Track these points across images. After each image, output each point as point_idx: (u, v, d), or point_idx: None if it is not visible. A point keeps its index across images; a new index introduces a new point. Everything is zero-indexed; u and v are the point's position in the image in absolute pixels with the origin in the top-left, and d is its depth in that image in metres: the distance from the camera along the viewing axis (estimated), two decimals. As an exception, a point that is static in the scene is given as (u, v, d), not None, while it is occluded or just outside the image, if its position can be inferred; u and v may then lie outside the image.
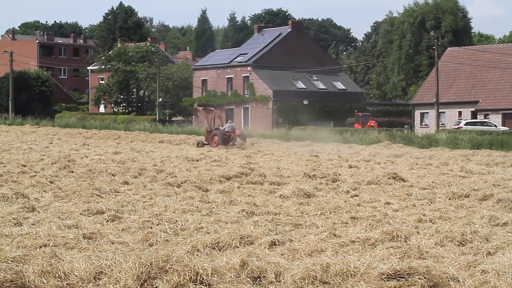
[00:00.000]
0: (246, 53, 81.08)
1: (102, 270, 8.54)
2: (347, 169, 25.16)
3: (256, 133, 55.08)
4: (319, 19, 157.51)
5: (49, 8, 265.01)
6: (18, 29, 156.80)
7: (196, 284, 8.17)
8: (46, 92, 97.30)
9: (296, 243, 10.77)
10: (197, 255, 10.09)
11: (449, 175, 22.98)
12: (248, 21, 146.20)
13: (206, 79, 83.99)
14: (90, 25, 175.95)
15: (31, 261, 8.96)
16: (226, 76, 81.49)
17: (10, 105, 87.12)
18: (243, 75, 79.66)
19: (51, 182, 18.81)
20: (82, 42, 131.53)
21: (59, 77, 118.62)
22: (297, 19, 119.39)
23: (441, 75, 69.73)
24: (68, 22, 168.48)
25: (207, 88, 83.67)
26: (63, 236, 11.19)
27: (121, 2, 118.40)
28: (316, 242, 10.74)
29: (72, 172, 21.58)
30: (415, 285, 8.14)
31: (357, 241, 10.92)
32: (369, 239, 10.96)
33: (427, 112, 73.33)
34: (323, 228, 12.38)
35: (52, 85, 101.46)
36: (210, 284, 8.24)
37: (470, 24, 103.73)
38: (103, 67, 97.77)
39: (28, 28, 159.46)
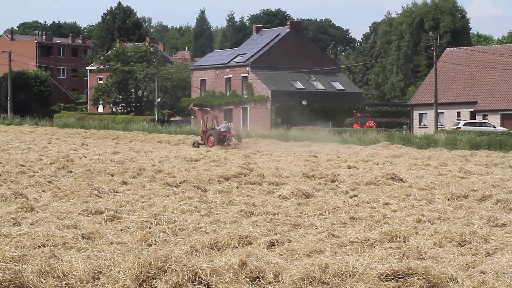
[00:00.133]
0: (245, 54, 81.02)
1: (101, 270, 8.54)
2: (345, 169, 25.15)
3: (255, 133, 55.02)
4: (318, 20, 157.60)
5: (48, 8, 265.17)
6: (17, 29, 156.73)
7: (194, 284, 8.16)
8: (44, 92, 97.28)
9: (295, 243, 10.76)
10: (196, 255, 10.08)
11: (448, 175, 22.97)
12: (247, 22, 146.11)
13: (204, 79, 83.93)
14: (88, 25, 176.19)
15: (30, 261, 8.95)
16: (225, 76, 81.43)
17: (8, 105, 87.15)
18: (241, 75, 79.61)
19: (49, 182, 18.80)
20: (81, 42, 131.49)
21: (58, 77, 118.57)
22: (295, 19, 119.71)
23: (440, 75, 69.76)
24: (67, 22, 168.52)
25: (205, 88, 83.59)
26: (62, 236, 11.18)
27: (119, 2, 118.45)
28: (315, 242, 10.73)
29: (71, 172, 21.56)
30: (413, 285, 8.14)
31: (355, 242, 10.92)
32: (368, 240, 10.95)
33: (426, 113, 73.32)
34: (322, 228, 12.37)
35: (51, 85, 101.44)
36: (209, 284, 8.23)
37: (469, 24, 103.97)
38: (101, 67, 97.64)
39: (27, 28, 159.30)
